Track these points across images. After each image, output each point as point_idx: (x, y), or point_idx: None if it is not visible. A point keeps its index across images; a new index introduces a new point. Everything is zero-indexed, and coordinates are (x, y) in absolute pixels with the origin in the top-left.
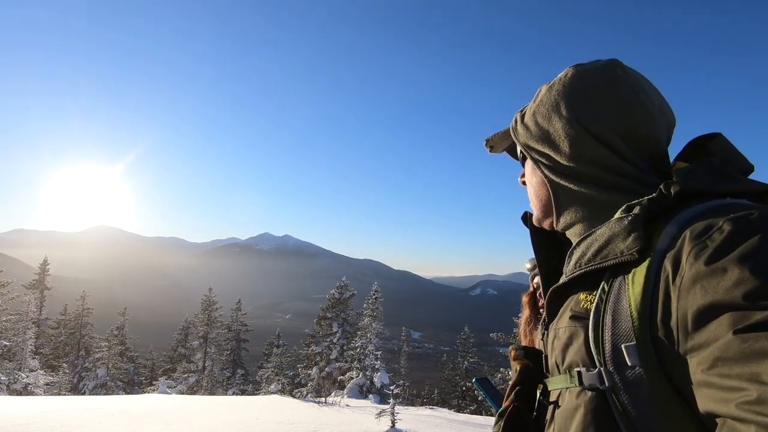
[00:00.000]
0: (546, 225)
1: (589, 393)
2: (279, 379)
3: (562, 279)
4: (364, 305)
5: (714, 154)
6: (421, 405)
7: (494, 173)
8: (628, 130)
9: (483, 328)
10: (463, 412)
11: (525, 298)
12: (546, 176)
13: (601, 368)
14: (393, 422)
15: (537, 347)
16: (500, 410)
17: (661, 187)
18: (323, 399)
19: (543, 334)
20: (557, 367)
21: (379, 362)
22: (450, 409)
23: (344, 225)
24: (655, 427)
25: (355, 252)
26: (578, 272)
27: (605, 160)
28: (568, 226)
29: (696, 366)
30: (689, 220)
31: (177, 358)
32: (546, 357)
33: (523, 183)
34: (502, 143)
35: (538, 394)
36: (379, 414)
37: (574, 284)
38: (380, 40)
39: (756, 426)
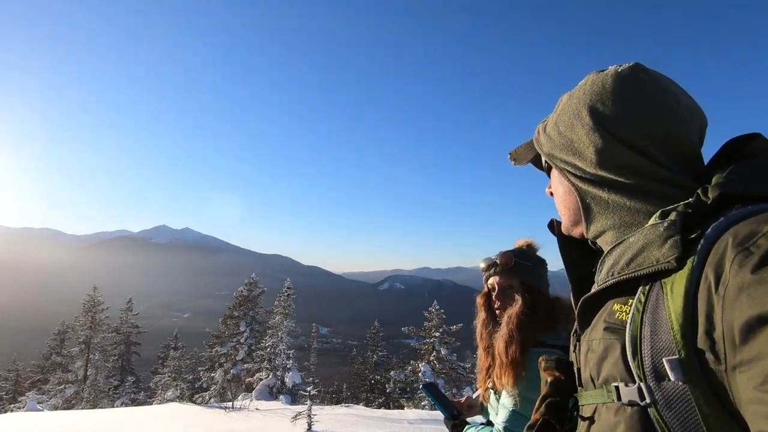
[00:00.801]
0: (576, 234)
1: (629, 409)
2: (177, 385)
3: (594, 288)
4: (276, 302)
5: (754, 155)
6: (336, 403)
7: (402, 171)
8: (658, 132)
9: (391, 322)
10: (370, 406)
11: (480, 300)
12: (573, 184)
13: (641, 383)
14: (310, 424)
15: (569, 359)
16: (529, 423)
17: (699, 191)
18: (229, 404)
19: (575, 346)
20: (592, 381)
21: (291, 362)
22: (360, 403)
23: (251, 219)
24: None
25: (262, 247)
26: (611, 281)
27: (636, 165)
28: (599, 234)
29: (746, 382)
30: (730, 225)
31: (50, 368)
32: (579, 370)
33: (551, 194)
34: (526, 155)
35: (569, 408)
36: (296, 417)
37: (606, 294)
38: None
39: None
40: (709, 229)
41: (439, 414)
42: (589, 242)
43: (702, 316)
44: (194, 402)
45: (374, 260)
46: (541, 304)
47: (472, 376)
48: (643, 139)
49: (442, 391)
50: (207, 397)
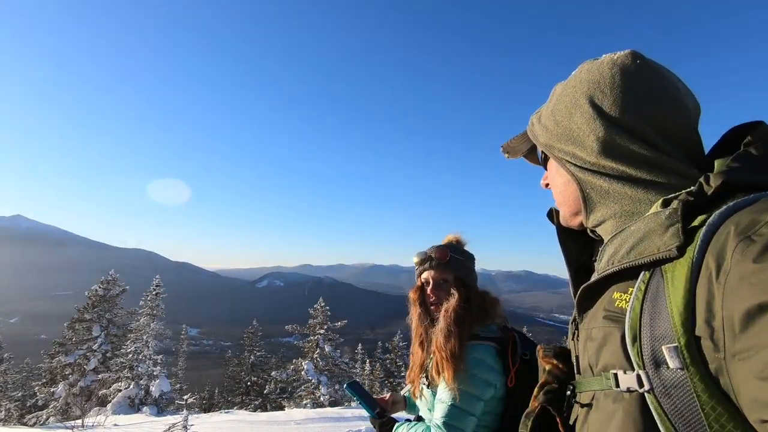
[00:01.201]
0: (575, 224)
1: (627, 396)
2: (1, 405)
3: (594, 277)
4: (141, 302)
5: (756, 144)
6: (210, 410)
7: (284, 165)
8: (660, 120)
9: (271, 321)
10: (246, 409)
11: (413, 295)
12: (573, 174)
13: (640, 371)
14: None
15: (566, 347)
16: (528, 411)
17: (701, 179)
18: (78, 422)
19: (573, 334)
20: (591, 368)
21: (158, 368)
22: (235, 407)
23: (105, 208)
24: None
25: (120, 240)
26: (611, 270)
27: (638, 153)
28: (600, 224)
29: (746, 370)
30: (732, 213)
31: None
32: (577, 357)
33: (546, 186)
34: (520, 147)
35: (567, 395)
36: (168, 430)
37: (606, 282)
38: None
39: None
40: (711, 218)
41: (325, 412)
42: (588, 231)
43: (702, 304)
44: (25, 424)
45: (253, 257)
46: (475, 297)
47: (354, 372)
48: (645, 126)
49: (366, 389)
50: (44, 417)
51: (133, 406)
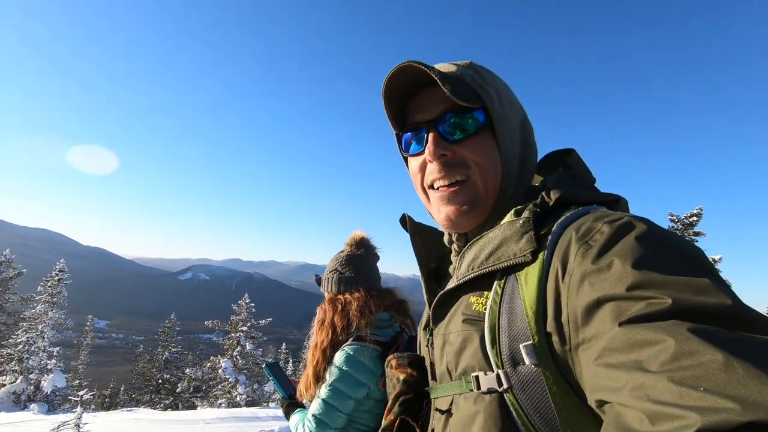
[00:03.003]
0: (477, 216)
1: (488, 397)
2: None
3: (453, 282)
4: (39, 288)
5: (572, 167)
6: (113, 408)
7: (214, 146)
8: (531, 140)
9: (191, 316)
10: (156, 408)
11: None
12: (505, 168)
13: (499, 370)
14: None
15: (419, 355)
16: (384, 425)
17: (543, 193)
18: None
19: (428, 341)
20: (449, 373)
21: (53, 361)
22: (143, 406)
23: (6, 180)
24: (552, 424)
25: (21, 218)
26: (472, 275)
27: (522, 168)
28: (481, 228)
29: (587, 358)
30: (571, 223)
31: None
32: (432, 364)
33: (441, 157)
34: (458, 89)
35: (424, 404)
36: (56, 429)
37: (463, 288)
38: None
39: (639, 410)
40: (555, 226)
41: (239, 411)
42: (447, 234)
43: (551, 302)
44: None
45: (178, 247)
46: (340, 304)
47: (278, 363)
48: (535, 146)
49: (285, 371)
50: None
51: (18, 402)
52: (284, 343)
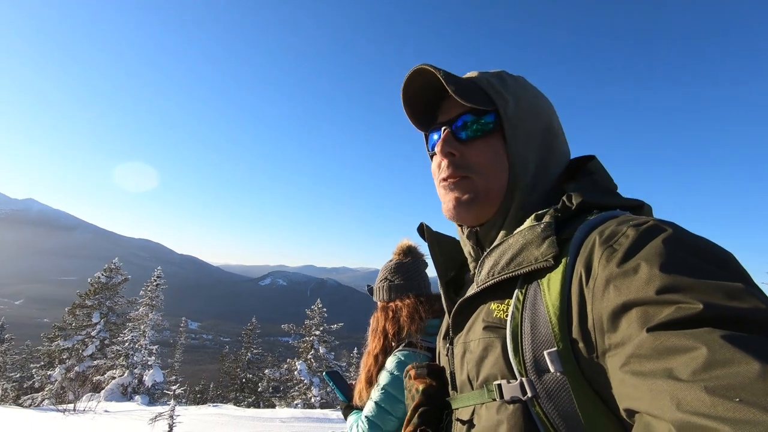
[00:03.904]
0: (475, 215)
1: (511, 406)
2: None
3: (473, 290)
4: (141, 292)
5: (593, 173)
6: (203, 403)
7: (294, 166)
8: (561, 150)
9: (270, 319)
10: (240, 406)
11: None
12: (513, 165)
13: (523, 378)
14: (171, 426)
15: (438, 365)
16: None
17: (564, 198)
18: (70, 406)
19: (447, 350)
20: (470, 382)
21: (153, 358)
22: (229, 403)
23: (115, 196)
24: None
25: (127, 229)
26: (493, 281)
27: (555, 172)
28: (492, 226)
29: (613, 365)
30: (594, 227)
31: None
32: (452, 373)
33: (448, 154)
34: (470, 95)
35: (444, 415)
36: (155, 419)
37: (483, 295)
38: None
39: (669, 421)
40: (577, 230)
41: (312, 412)
42: (465, 239)
43: (575, 308)
44: (20, 405)
45: (257, 254)
46: (391, 312)
47: (348, 375)
48: (564, 153)
49: (346, 377)
50: (39, 399)
51: (125, 394)
52: (356, 348)
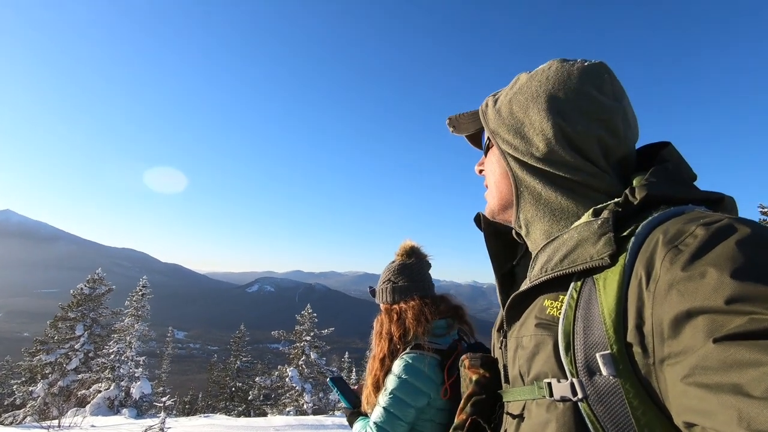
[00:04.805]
0: (501, 219)
1: (561, 405)
2: None
3: (525, 284)
4: (126, 303)
5: (667, 161)
6: (192, 414)
7: (278, 170)
8: (606, 136)
9: (259, 326)
10: (230, 415)
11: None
12: (511, 169)
13: (573, 379)
14: None
15: (492, 356)
16: (456, 424)
17: (627, 191)
18: (54, 422)
19: (501, 343)
20: (521, 377)
21: (140, 370)
22: (219, 413)
23: (96, 205)
24: None
25: (110, 239)
26: (545, 277)
27: (579, 165)
28: (526, 225)
29: (674, 375)
30: (659, 224)
31: None
32: (505, 366)
33: (480, 172)
34: (468, 125)
35: (497, 406)
36: None
37: (537, 290)
38: None
39: None
40: (639, 228)
41: (306, 419)
42: (514, 234)
43: (632, 311)
44: (1, 422)
45: (244, 261)
46: (396, 314)
47: (342, 377)
48: (593, 142)
49: (348, 383)
50: (21, 416)
51: (112, 407)
52: (347, 352)
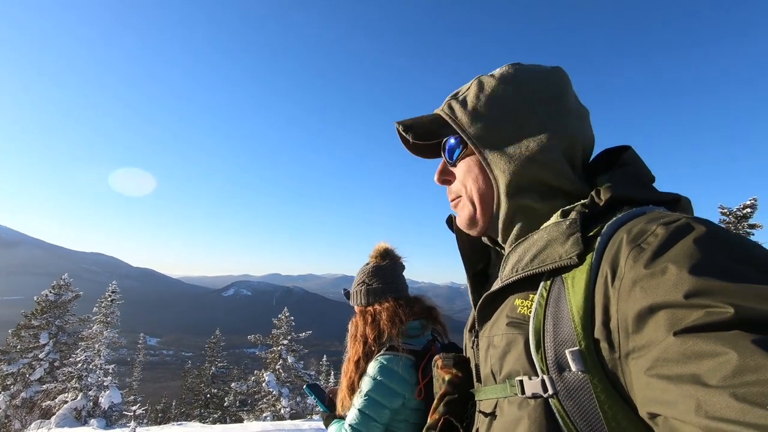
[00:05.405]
0: (479, 229)
1: (532, 402)
2: None
3: (497, 284)
4: (95, 309)
5: (628, 164)
6: (166, 422)
7: (253, 172)
8: (576, 140)
9: (235, 330)
10: (205, 422)
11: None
12: (495, 178)
13: (544, 376)
14: None
15: (465, 356)
16: (429, 424)
17: (593, 193)
18: None
19: (473, 342)
20: (493, 376)
21: (109, 378)
22: (193, 420)
23: (60, 208)
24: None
25: (78, 243)
26: (516, 277)
27: (560, 169)
28: (505, 232)
29: (638, 368)
30: (623, 224)
31: None
32: (477, 366)
33: (444, 182)
34: (429, 131)
35: (469, 405)
36: None
37: (508, 290)
38: None
39: (696, 426)
40: (605, 228)
41: (283, 424)
42: (486, 239)
43: (599, 308)
44: None
45: (220, 265)
46: (370, 316)
47: (320, 382)
48: (573, 144)
49: (324, 388)
50: None
51: (79, 418)
52: (325, 356)
